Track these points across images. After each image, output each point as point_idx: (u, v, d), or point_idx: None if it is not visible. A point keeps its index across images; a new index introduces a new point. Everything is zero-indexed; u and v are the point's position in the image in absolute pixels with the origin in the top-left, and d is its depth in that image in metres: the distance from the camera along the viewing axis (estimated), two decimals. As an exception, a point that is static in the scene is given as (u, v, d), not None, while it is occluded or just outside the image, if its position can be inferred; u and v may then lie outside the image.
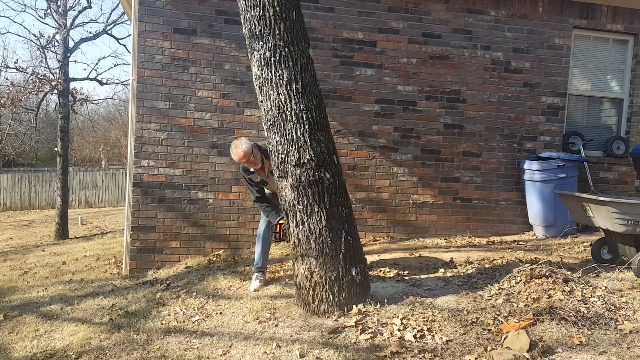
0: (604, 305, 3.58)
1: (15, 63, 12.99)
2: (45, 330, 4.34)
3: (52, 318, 4.63)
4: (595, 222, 4.53)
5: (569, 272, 4.06)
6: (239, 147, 4.28)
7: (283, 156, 3.72)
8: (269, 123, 3.76)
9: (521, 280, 4.03)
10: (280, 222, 4.53)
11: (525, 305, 3.64)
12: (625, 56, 6.97)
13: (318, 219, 3.70)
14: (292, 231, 3.83)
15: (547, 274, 3.98)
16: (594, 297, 3.72)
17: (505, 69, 6.55)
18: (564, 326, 3.32)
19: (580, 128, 6.95)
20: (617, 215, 4.21)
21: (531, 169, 6.23)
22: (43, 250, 9.38)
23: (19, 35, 42.97)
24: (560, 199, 5.22)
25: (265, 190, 4.68)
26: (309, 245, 3.74)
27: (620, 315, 3.48)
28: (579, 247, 5.62)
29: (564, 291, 3.76)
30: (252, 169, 4.50)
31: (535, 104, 6.63)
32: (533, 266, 4.12)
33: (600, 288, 3.88)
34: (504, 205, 6.64)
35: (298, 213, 3.74)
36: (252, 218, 6.15)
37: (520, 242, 6.11)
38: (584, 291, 3.79)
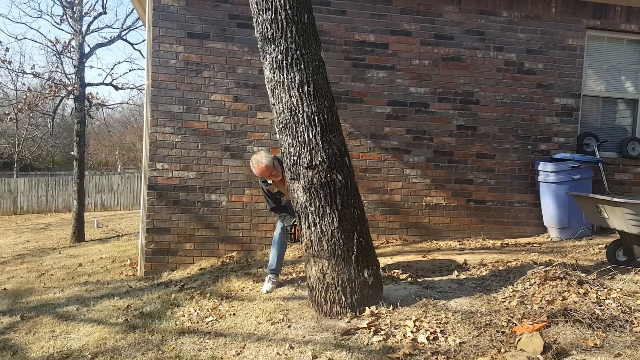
0: (619, 308, 3.54)
1: (32, 69, 13.17)
2: (62, 331, 4.40)
3: (69, 319, 4.69)
4: (610, 223, 4.49)
5: (583, 274, 4.02)
6: (261, 162, 4.31)
7: (295, 158, 3.73)
8: (281, 125, 3.78)
9: (535, 282, 4.00)
10: (295, 224, 4.56)
11: (540, 307, 3.62)
12: (639, 56, 6.91)
13: (330, 221, 3.71)
14: (304, 233, 3.85)
15: (561, 276, 3.95)
16: (608, 299, 3.68)
17: (518, 70, 6.52)
18: (578, 328, 3.29)
19: (594, 129, 6.89)
20: (633, 217, 4.17)
21: (545, 171, 6.19)
22: (59, 253, 9.50)
23: (36, 41, 43.70)
24: (574, 200, 5.18)
25: (282, 199, 4.73)
26: (321, 246, 3.75)
27: (635, 318, 3.43)
28: (593, 249, 5.56)
29: (579, 293, 3.72)
30: (269, 181, 4.54)
31: (549, 105, 6.59)
32: (547, 268, 4.09)
33: (616, 290, 3.84)
34: (518, 207, 6.60)
35: (310, 215, 3.75)
36: (265, 220, 6.18)
37: (535, 245, 6.07)
38: (599, 293, 3.75)
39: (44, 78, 13.83)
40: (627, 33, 6.78)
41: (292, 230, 4.63)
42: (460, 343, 3.24)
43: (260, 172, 4.36)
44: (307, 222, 3.80)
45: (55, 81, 13.47)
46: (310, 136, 3.67)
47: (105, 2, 15.19)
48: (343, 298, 3.76)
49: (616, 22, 6.67)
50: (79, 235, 11.72)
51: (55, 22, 30.52)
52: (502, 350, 3.08)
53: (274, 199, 4.68)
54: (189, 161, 6.11)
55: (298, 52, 3.65)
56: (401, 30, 6.31)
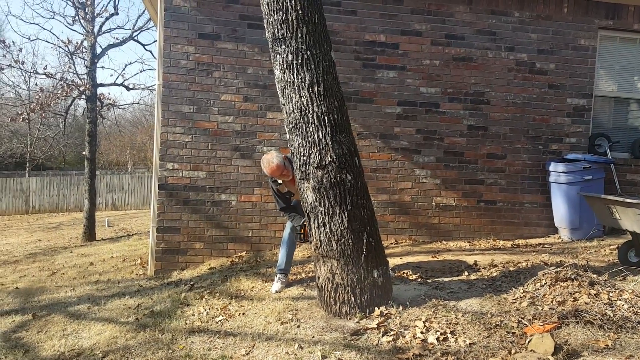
0: (631, 309, 3.51)
1: (44, 69, 13.30)
2: (73, 330, 4.43)
3: (80, 317, 4.73)
4: (622, 224, 4.45)
5: (594, 275, 4.00)
6: (272, 162, 4.33)
7: (305, 158, 3.74)
8: (290, 125, 3.79)
9: (546, 283, 3.98)
10: (304, 224, 4.57)
11: (550, 308, 3.60)
12: (653, 56, 6.83)
13: (339, 221, 3.71)
14: (313, 233, 3.85)
15: (572, 277, 3.92)
16: (620, 300, 3.65)
17: (529, 70, 6.48)
18: (589, 330, 3.27)
19: (606, 129, 6.82)
20: (645, 218, 4.13)
21: (557, 171, 6.15)
22: (71, 252, 9.57)
23: (48, 42, 44.13)
24: (586, 201, 5.14)
25: (292, 199, 4.75)
26: (331, 247, 3.75)
27: (648, 320, 3.41)
28: (605, 250, 5.52)
29: (590, 294, 3.70)
30: (279, 181, 4.55)
31: (561, 105, 6.54)
32: (558, 269, 4.07)
33: (627, 291, 3.81)
34: (529, 208, 6.56)
35: (320, 215, 3.76)
36: (274, 220, 6.20)
37: (546, 245, 6.03)
38: (610, 294, 3.73)
39: (56, 78, 13.93)
40: (640, 33, 6.73)
41: (302, 230, 4.65)
42: (470, 344, 3.23)
43: (271, 171, 4.37)
44: (316, 222, 3.80)
45: (67, 81, 13.57)
46: (320, 136, 3.68)
47: (116, 3, 15.31)
48: (352, 298, 3.76)
49: (629, 22, 6.61)
50: (90, 234, 11.80)
51: (68, 23, 30.76)
52: (513, 351, 3.07)
53: (283, 198, 4.69)
54: (199, 161, 6.14)
55: (308, 53, 3.65)
56: (412, 30, 6.29)
